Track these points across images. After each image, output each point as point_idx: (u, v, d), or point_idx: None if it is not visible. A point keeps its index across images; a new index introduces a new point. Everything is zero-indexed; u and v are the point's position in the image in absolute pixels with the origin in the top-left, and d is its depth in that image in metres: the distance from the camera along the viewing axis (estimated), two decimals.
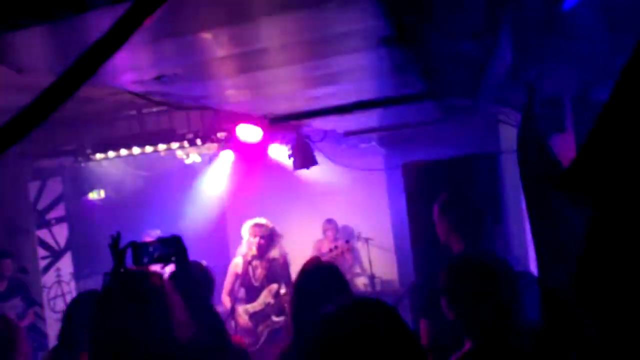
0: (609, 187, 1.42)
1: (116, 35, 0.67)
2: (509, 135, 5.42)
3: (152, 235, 6.19)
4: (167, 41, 1.72)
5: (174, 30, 1.60)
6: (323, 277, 2.12)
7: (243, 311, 4.74)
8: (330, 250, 5.83)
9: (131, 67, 1.99)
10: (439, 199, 3.25)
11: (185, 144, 4.89)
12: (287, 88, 2.82)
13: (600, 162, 1.45)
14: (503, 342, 1.81)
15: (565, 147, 3.45)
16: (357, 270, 7.13)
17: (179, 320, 1.65)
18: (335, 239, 6.74)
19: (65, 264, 6.25)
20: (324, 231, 6.90)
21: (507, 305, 1.89)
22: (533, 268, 5.03)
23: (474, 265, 1.99)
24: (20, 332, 2.18)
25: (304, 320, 2.02)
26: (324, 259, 5.93)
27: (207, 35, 1.68)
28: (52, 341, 6.07)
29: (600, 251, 1.43)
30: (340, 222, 7.05)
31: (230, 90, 2.73)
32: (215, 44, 1.79)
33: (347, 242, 6.14)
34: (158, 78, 2.06)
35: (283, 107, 3.59)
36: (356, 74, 2.67)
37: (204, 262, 5.17)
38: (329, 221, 6.92)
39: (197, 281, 2.30)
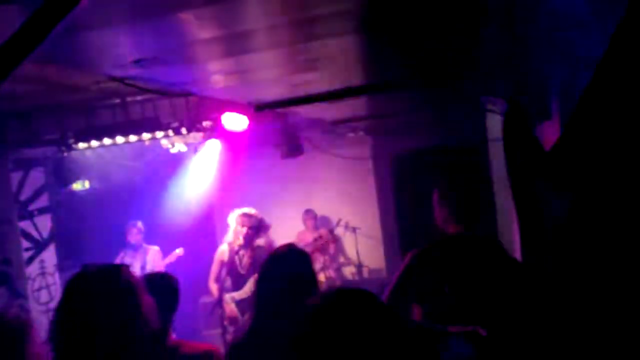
0: (588, 171, 1.42)
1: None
2: (496, 124, 5.43)
3: (136, 226, 6.14)
4: (145, 21, 1.67)
5: (152, 10, 1.56)
6: (291, 261, 2.09)
7: (230, 299, 4.75)
8: (315, 239, 5.83)
9: (109, 49, 1.94)
10: (440, 185, 3.25)
11: (170, 133, 4.81)
12: (272, 73, 2.78)
13: (580, 146, 1.45)
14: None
15: (551, 135, 3.46)
16: (342, 259, 7.14)
17: (148, 315, 1.62)
18: (316, 229, 6.77)
19: (49, 256, 6.16)
20: (304, 221, 6.92)
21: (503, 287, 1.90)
22: (519, 255, 5.08)
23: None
24: (28, 331, 2.00)
25: (266, 305, 2.00)
26: (307, 248, 5.96)
27: (186, 16, 1.64)
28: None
29: (580, 233, 1.44)
30: (328, 211, 7.06)
31: (214, 76, 2.69)
32: (195, 25, 1.75)
33: (331, 232, 6.14)
34: (138, 61, 2.01)
35: (269, 94, 3.55)
36: (342, 58, 2.64)
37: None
38: (307, 212, 6.95)
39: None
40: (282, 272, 2.04)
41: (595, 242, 1.34)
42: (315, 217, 6.95)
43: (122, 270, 1.70)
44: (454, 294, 1.88)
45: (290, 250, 2.21)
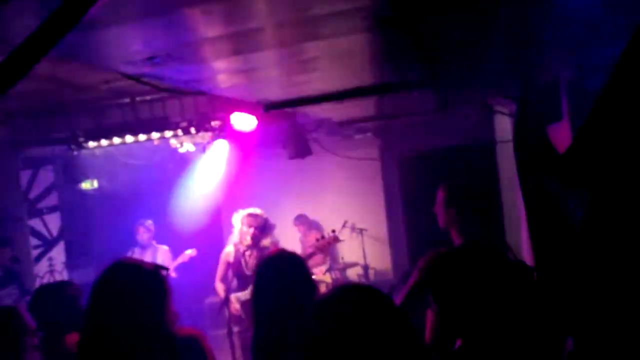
0: (605, 172, 1.41)
1: None
2: (504, 126, 5.41)
3: (144, 225, 6.17)
4: (158, 18, 1.68)
5: (164, 7, 1.56)
6: (284, 266, 2.08)
7: (235, 299, 4.76)
8: (317, 240, 5.83)
9: (122, 46, 1.96)
10: (446, 187, 3.22)
11: (179, 132, 4.84)
12: (281, 71, 2.79)
13: (596, 147, 1.44)
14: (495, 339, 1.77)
15: (561, 135, 3.44)
16: (348, 261, 7.12)
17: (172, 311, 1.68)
18: (308, 233, 6.79)
19: (58, 254, 6.20)
20: (296, 227, 6.95)
21: (502, 302, 1.85)
22: (526, 257, 5.05)
23: (465, 260, 1.94)
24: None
25: (263, 310, 2.01)
26: (309, 249, 5.96)
27: (197, 12, 1.64)
28: None
29: (598, 233, 1.42)
30: (335, 213, 7.04)
31: (223, 74, 2.70)
32: (206, 22, 1.75)
33: (333, 231, 6.13)
34: (150, 59, 2.03)
35: (277, 93, 3.55)
36: (352, 57, 2.64)
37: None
38: (298, 217, 7.00)
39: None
40: (275, 276, 2.04)
41: (612, 242, 1.33)
42: (306, 222, 7.00)
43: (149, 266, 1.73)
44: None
45: (281, 255, 2.22)
